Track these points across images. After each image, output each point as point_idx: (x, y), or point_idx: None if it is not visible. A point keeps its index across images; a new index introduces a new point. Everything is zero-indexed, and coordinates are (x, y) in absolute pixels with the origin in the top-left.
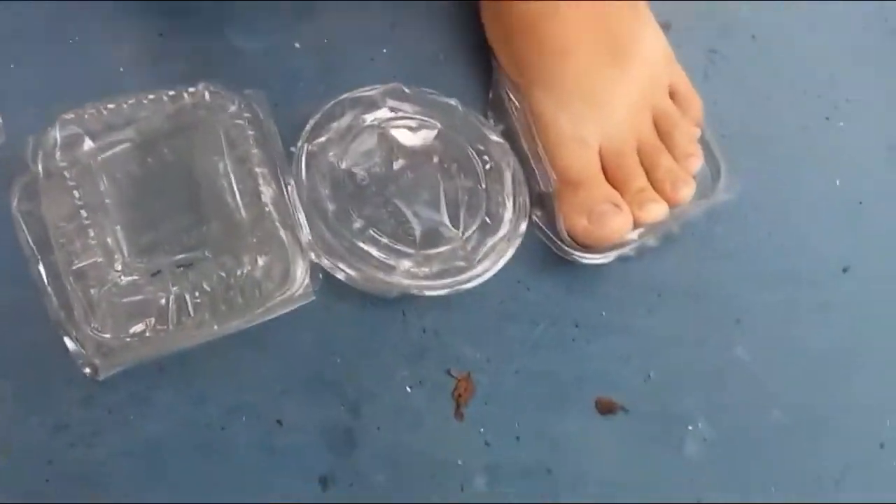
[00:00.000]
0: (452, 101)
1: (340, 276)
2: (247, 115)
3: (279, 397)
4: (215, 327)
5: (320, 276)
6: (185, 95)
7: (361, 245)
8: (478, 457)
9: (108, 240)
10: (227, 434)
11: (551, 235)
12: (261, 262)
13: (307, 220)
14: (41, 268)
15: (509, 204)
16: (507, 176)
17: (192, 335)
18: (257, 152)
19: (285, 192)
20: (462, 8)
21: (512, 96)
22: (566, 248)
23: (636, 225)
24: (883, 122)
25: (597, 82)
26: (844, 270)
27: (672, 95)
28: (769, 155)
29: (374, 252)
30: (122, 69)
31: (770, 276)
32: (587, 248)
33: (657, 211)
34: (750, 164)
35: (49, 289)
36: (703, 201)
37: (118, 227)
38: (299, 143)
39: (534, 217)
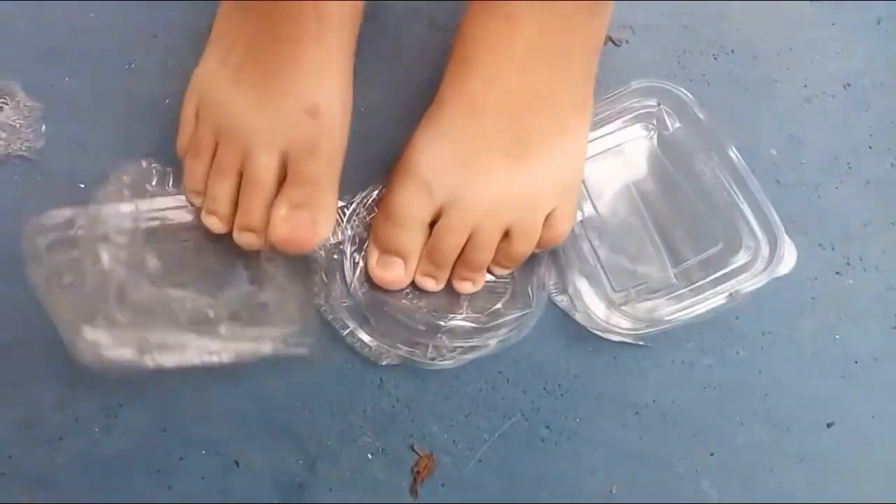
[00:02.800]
0: None
1: (345, 332)
2: None
3: (242, 439)
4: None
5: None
6: None
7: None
8: None
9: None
10: (185, 464)
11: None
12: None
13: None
14: None
15: (531, 291)
16: (543, 263)
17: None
18: None
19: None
20: None
21: None
22: (595, 325)
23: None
24: (894, 287)
25: (482, 155)
26: (829, 426)
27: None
28: (775, 296)
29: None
30: (167, 101)
31: (752, 417)
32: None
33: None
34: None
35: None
36: (763, 275)
37: None
38: (353, 206)
39: (559, 301)
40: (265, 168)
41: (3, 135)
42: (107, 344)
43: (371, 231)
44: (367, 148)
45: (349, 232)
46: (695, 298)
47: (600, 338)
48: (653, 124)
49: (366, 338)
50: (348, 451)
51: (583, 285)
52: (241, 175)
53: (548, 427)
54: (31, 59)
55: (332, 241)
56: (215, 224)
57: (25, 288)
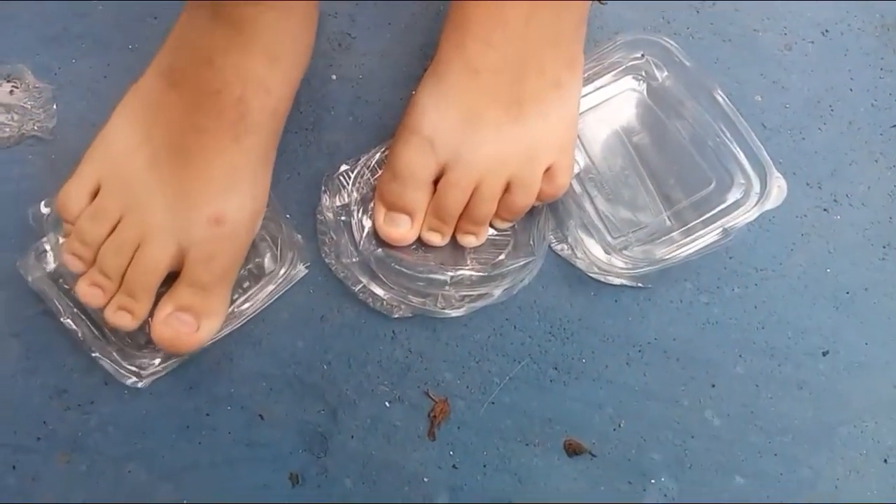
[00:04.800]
0: None
1: (357, 288)
2: None
3: (265, 394)
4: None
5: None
6: None
7: (385, 264)
8: (444, 477)
9: None
10: (211, 420)
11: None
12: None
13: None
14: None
15: (533, 238)
16: (542, 214)
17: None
18: None
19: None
20: None
21: None
22: (594, 270)
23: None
24: (880, 221)
25: (483, 113)
26: (824, 354)
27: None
28: (766, 235)
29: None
30: None
31: (750, 349)
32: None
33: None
34: (743, 240)
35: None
36: (755, 209)
37: None
38: (357, 168)
39: (560, 250)
40: (158, 260)
41: (16, 116)
42: None
43: (377, 190)
44: (367, 112)
45: (355, 194)
46: (690, 237)
47: (601, 282)
48: (641, 76)
49: (378, 291)
50: (367, 401)
51: (582, 234)
52: (134, 254)
53: (555, 368)
54: (39, 43)
55: (339, 203)
56: (98, 299)
57: None
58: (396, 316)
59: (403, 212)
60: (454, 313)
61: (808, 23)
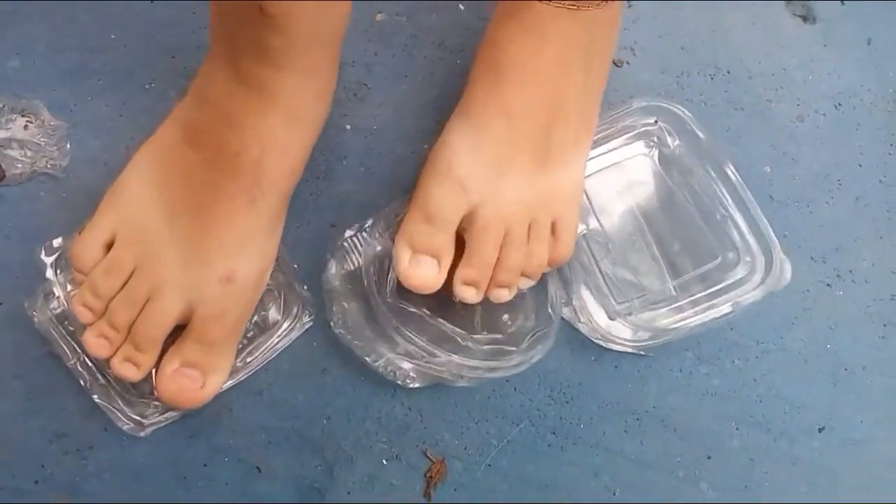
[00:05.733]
0: None
1: (370, 359)
2: None
3: (264, 446)
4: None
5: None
6: None
7: (404, 332)
8: None
9: None
10: (209, 471)
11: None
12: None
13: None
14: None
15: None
16: (552, 280)
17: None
18: None
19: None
20: None
21: None
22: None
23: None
24: (882, 299)
25: (514, 158)
26: (820, 430)
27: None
28: (769, 308)
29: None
30: None
31: (747, 422)
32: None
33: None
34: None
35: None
36: (760, 289)
37: None
38: (365, 233)
39: (563, 312)
40: (168, 315)
41: (29, 153)
42: None
43: (402, 234)
44: (379, 164)
45: (363, 260)
46: (694, 310)
47: (603, 348)
48: (653, 142)
49: (405, 365)
50: (364, 458)
51: (587, 297)
52: (143, 307)
53: (553, 433)
54: (55, 78)
55: (345, 270)
56: (104, 350)
57: None
58: (412, 386)
59: (431, 254)
60: (465, 384)
61: (822, 95)
